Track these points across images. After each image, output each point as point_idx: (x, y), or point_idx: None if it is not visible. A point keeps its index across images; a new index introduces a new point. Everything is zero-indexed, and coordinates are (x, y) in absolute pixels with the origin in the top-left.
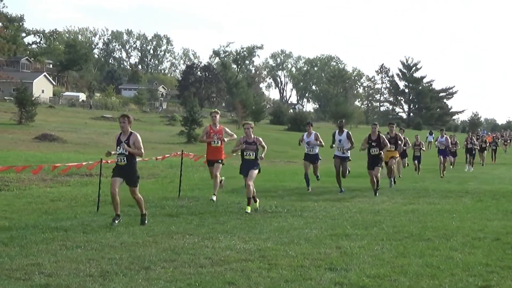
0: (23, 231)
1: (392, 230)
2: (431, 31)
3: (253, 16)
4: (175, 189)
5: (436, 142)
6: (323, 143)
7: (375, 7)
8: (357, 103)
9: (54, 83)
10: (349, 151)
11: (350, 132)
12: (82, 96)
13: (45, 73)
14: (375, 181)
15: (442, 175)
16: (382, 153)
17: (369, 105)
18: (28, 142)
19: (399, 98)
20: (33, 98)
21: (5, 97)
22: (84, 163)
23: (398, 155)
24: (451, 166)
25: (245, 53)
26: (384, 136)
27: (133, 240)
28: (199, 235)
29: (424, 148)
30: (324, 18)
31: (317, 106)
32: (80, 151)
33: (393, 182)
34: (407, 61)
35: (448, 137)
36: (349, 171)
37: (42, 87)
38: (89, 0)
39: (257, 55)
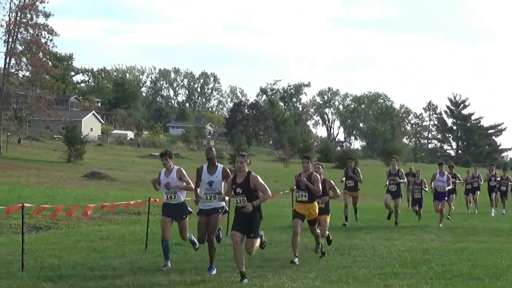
0: (72, 269)
1: (441, 269)
2: (479, 67)
3: (300, 54)
4: (223, 227)
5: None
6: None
7: (422, 44)
8: (404, 140)
9: (103, 121)
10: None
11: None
12: (130, 134)
13: (93, 111)
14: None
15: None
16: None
17: (417, 142)
18: (77, 180)
19: (447, 135)
20: (81, 137)
21: (54, 136)
22: (132, 202)
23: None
24: (471, 204)
25: (292, 90)
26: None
27: (182, 278)
28: (247, 273)
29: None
30: (371, 55)
31: (365, 144)
32: (129, 189)
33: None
34: (455, 98)
35: (448, 175)
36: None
37: (90, 126)
38: (137, 38)
39: (304, 92)
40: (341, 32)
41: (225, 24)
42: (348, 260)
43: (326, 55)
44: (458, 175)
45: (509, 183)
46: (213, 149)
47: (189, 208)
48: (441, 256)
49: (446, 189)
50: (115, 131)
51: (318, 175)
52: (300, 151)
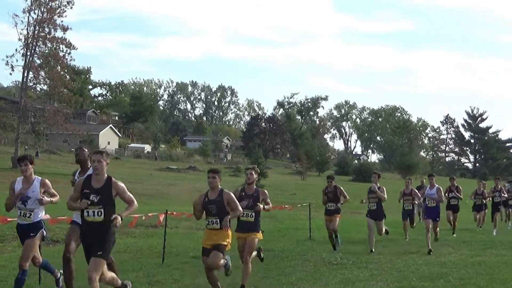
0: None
1: (459, 283)
2: (497, 81)
3: (318, 68)
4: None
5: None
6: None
7: (440, 57)
8: (422, 153)
9: (120, 134)
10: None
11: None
12: (148, 148)
13: (111, 125)
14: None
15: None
16: None
17: (435, 155)
18: None
19: (465, 148)
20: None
21: (72, 149)
22: (150, 214)
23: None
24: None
25: (309, 104)
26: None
27: None
28: (264, 287)
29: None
30: (388, 68)
31: (382, 157)
32: (146, 202)
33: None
34: (472, 112)
35: (439, 187)
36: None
37: (108, 139)
38: (154, 52)
39: (322, 106)
40: (358, 46)
41: (242, 38)
42: (366, 274)
43: (343, 68)
44: (460, 187)
45: None
46: (85, 148)
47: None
48: (458, 270)
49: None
50: (132, 145)
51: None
52: (317, 164)
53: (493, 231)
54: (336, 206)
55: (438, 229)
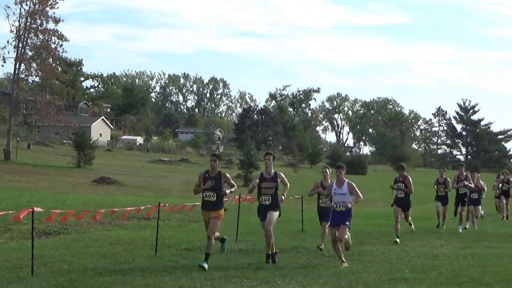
0: (82, 275)
1: (451, 275)
2: (488, 73)
3: (310, 60)
4: (233, 232)
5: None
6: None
7: (432, 50)
8: (414, 146)
9: (112, 126)
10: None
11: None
12: (140, 140)
13: (103, 117)
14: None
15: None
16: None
17: (426, 148)
18: (86, 185)
19: (457, 141)
20: (91, 142)
21: (64, 141)
22: (142, 207)
23: None
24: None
25: (301, 96)
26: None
27: (191, 284)
28: (257, 279)
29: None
30: (380, 61)
31: (374, 149)
32: (138, 194)
33: None
34: (464, 104)
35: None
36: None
37: (100, 131)
38: (146, 44)
39: (314, 98)
40: (350, 38)
41: (234, 30)
42: (358, 266)
43: (335, 60)
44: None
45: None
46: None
47: None
48: (451, 262)
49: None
50: (124, 137)
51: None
52: (309, 156)
53: (458, 227)
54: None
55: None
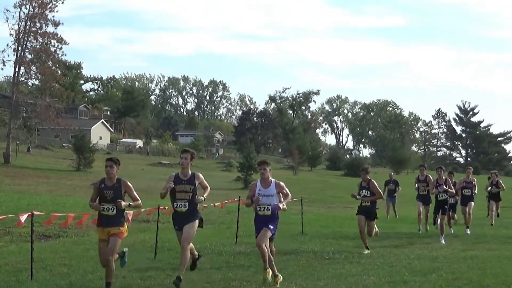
0: (81, 278)
1: (451, 277)
2: (488, 75)
3: (309, 62)
4: (232, 235)
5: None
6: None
7: (431, 52)
8: (414, 148)
9: (112, 130)
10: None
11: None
12: (139, 143)
13: (102, 120)
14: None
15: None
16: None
17: (426, 150)
18: (86, 189)
19: (456, 143)
20: (90, 145)
21: (64, 144)
22: (142, 210)
23: None
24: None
25: (301, 98)
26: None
27: (191, 286)
28: (256, 282)
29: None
30: (380, 63)
31: (374, 152)
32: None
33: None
34: (464, 106)
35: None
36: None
37: (99, 134)
38: (146, 47)
39: (313, 100)
40: (349, 40)
41: (233, 32)
42: (358, 268)
43: (335, 63)
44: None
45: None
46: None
47: None
48: (450, 264)
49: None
50: (124, 140)
51: None
52: (309, 159)
53: (440, 237)
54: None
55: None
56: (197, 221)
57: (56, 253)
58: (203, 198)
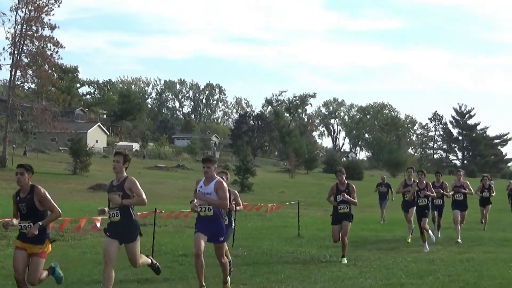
0: (78, 282)
1: (448, 279)
2: (484, 78)
3: (306, 65)
4: (229, 238)
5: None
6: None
7: (428, 55)
8: (410, 150)
9: (108, 133)
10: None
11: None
12: (136, 146)
13: (99, 123)
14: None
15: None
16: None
17: (423, 152)
18: (82, 192)
19: (453, 145)
20: (87, 148)
21: (60, 148)
22: (138, 213)
23: None
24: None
25: (297, 101)
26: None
27: None
28: (253, 285)
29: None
30: (376, 66)
31: (370, 154)
32: None
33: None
34: (460, 108)
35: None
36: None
37: (96, 137)
38: (142, 50)
39: (310, 103)
40: (346, 43)
41: (230, 35)
42: (355, 271)
43: (331, 66)
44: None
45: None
46: None
47: None
48: (447, 267)
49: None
50: (120, 143)
51: None
52: (306, 162)
53: (423, 246)
54: None
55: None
56: (138, 238)
57: (53, 256)
58: (120, 200)
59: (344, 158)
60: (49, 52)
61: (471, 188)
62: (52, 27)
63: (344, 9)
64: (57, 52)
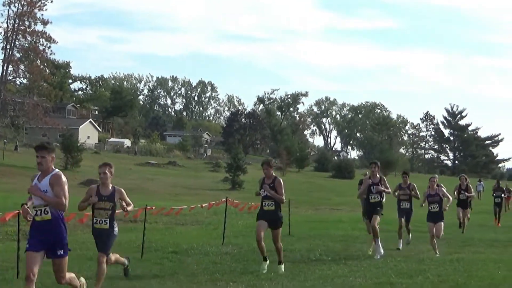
0: None
1: (437, 279)
2: (476, 79)
3: (298, 64)
4: (219, 236)
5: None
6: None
7: (420, 55)
8: (401, 150)
9: (100, 129)
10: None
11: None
12: (127, 142)
13: (90, 119)
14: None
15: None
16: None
17: (414, 152)
18: (73, 188)
19: (444, 145)
20: (78, 144)
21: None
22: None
23: None
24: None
25: (289, 100)
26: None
27: (178, 287)
28: (243, 282)
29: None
30: (369, 65)
31: (362, 153)
32: None
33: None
34: (452, 109)
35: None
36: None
37: (87, 133)
38: (135, 47)
39: (302, 102)
40: (339, 43)
41: (223, 33)
42: (344, 270)
43: (323, 64)
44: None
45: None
46: None
47: None
48: (437, 267)
49: None
50: (112, 139)
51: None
52: (297, 160)
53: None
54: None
55: None
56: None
57: None
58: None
59: (336, 157)
60: (41, 47)
61: (418, 192)
62: (45, 22)
63: (337, 9)
64: (49, 47)
